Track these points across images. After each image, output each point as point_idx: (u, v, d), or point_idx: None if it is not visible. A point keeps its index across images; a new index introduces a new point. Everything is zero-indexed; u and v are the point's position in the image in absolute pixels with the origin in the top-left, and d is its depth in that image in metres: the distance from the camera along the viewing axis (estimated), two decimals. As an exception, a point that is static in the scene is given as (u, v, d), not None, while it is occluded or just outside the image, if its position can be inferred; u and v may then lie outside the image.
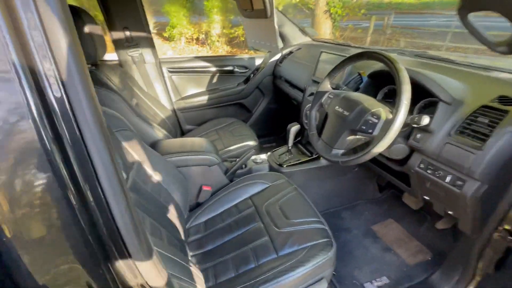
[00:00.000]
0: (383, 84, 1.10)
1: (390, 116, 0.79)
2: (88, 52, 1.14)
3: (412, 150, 0.91)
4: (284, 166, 1.38)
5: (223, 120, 1.87)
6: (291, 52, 1.89)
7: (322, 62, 1.42)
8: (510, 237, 0.77)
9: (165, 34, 7.54)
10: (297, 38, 1.96)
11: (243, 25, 1.66)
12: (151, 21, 7.55)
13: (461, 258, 0.99)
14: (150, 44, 1.66)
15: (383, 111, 0.81)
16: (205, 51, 7.62)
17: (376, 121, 0.79)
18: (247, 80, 2.02)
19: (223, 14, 7.65)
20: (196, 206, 1.19)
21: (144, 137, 1.30)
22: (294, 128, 1.37)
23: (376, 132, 0.79)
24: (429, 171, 0.86)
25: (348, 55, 0.98)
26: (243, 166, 1.39)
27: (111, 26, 1.55)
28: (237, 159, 1.43)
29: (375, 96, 1.12)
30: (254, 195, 1.13)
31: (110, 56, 1.72)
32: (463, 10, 0.54)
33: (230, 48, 7.85)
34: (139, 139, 0.95)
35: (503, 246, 0.75)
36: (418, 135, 0.86)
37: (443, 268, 1.06)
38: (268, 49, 1.42)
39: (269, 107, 2.12)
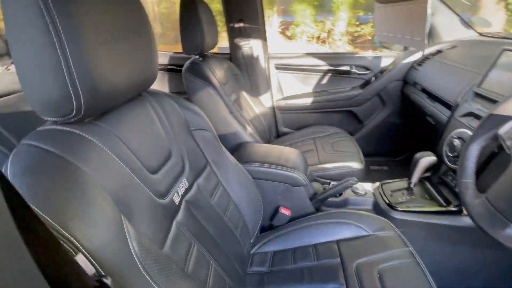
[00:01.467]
0: None
1: None
2: (195, 42, 1.12)
3: None
4: (398, 209, 0.98)
5: (325, 128, 1.58)
6: (439, 52, 1.36)
7: (500, 68, 0.89)
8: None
9: (288, 33, 7.73)
10: (452, 33, 1.40)
11: (375, 13, 1.30)
12: (277, 20, 7.90)
13: None
14: (262, 37, 1.57)
15: None
16: (324, 50, 7.32)
17: None
18: (365, 84, 1.63)
19: (352, 10, 7.11)
20: (268, 228, 1.00)
21: (230, 137, 1.21)
22: (426, 160, 0.94)
23: None
24: None
25: None
26: (337, 194, 1.08)
27: (228, 18, 1.54)
28: (331, 183, 1.13)
29: None
30: (343, 240, 0.82)
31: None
32: None
33: (353, 48, 7.22)
34: (218, 142, 0.82)
35: None
36: None
37: None
38: (406, 44, 1.03)
39: (389, 121, 1.65)
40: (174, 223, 0.56)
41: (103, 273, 0.34)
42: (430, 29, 1.42)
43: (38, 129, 0.41)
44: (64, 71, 0.37)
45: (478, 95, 0.92)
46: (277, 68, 1.70)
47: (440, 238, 0.95)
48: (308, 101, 1.70)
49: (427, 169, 1.00)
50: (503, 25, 4.79)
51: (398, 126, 1.66)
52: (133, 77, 0.52)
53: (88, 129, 0.44)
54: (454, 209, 0.92)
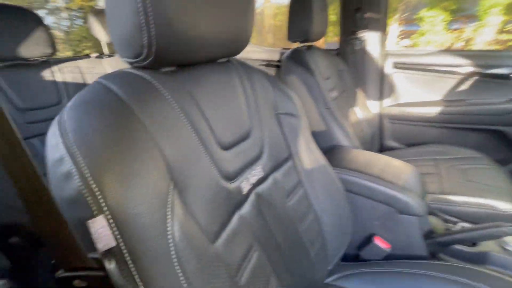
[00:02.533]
0: None
1: None
2: (303, 27, 1.01)
3: None
4: None
5: (455, 149, 1.17)
6: None
7: None
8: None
9: (405, 42, 6.76)
10: None
11: None
12: (397, 29, 7.01)
13: None
14: (381, 28, 1.31)
15: None
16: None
17: None
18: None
19: (509, 14, 5.54)
20: (354, 259, 0.77)
21: (323, 136, 1.03)
22: None
23: None
24: None
25: None
26: (472, 243, 0.73)
27: (344, 7, 1.36)
28: (461, 224, 0.79)
29: None
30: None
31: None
32: None
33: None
34: (308, 135, 0.67)
35: None
36: None
37: None
38: None
39: None
40: (236, 216, 0.45)
41: (124, 250, 0.26)
42: None
43: (117, 70, 0.38)
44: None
45: None
46: (396, 67, 1.39)
47: None
48: (432, 110, 1.31)
49: None
50: None
51: None
52: (223, 32, 0.44)
53: (161, 78, 0.39)
54: None
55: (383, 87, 1.40)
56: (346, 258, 0.76)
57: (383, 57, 1.37)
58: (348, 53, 1.41)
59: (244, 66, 0.58)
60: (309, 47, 1.15)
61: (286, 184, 0.59)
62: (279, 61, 1.71)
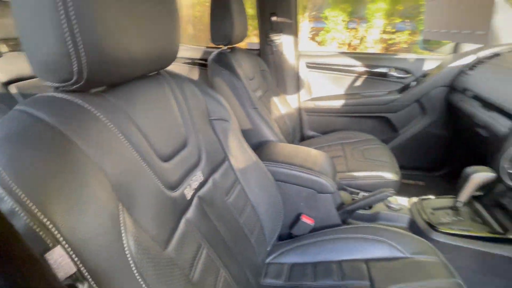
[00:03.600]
0: None
1: None
2: (224, 32, 1.07)
3: None
4: (440, 230, 0.84)
5: (356, 134, 1.45)
6: (496, 55, 1.19)
7: None
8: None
9: (318, 39, 7.61)
10: (513, 34, 1.22)
11: (425, 7, 1.16)
12: (308, 26, 7.81)
13: None
14: (293, 33, 1.48)
15: None
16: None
17: None
18: (404, 89, 1.48)
19: (388, 18, 6.83)
20: (287, 237, 0.90)
21: (252, 134, 1.13)
22: (480, 176, 0.79)
23: None
24: None
25: None
26: (368, 207, 0.96)
27: (260, 10, 1.47)
28: (361, 193, 1.01)
29: None
30: (374, 260, 0.71)
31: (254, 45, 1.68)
32: None
33: (385, 56, 6.89)
34: (240, 136, 0.75)
35: None
36: None
37: None
38: (464, 41, 0.89)
39: (429, 131, 1.49)
40: (183, 220, 0.49)
41: (85, 274, 0.27)
42: (487, 29, 1.25)
43: (37, 95, 0.36)
44: (63, 22, 0.31)
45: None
46: (308, 67, 1.60)
47: (494, 272, 0.79)
48: (338, 103, 1.58)
49: (479, 187, 0.86)
50: None
51: (439, 137, 1.49)
52: (152, 48, 0.46)
53: (93, 101, 0.38)
54: (514, 237, 0.76)
55: (299, 85, 1.60)
56: (281, 237, 0.88)
57: (296, 57, 1.55)
58: (268, 54, 1.55)
59: (175, 77, 0.61)
60: (232, 49, 1.21)
61: (224, 183, 0.65)
62: (203, 59, 1.74)
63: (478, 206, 0.90)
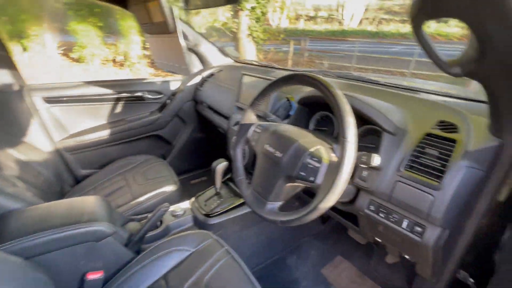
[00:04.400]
0: (314, 110, 0.95)
1: (334, 157, 0.60)
2: None
3: (359, 189, 0.75)
4: (213, 215, 1.09)
5: (134, 158, 1.47)
6: (212, 75, 1.67)
7: (245, 86, 1.22)
8: (471, 279, 0.68)
9: (73, 55, 6.55)
10: (217, 59, 1.76)
11: (148, 42, 1.36)
12: (54, 40, 6.44)
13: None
14: (7, 65, 1.18)
15: (324, 151, 0.62)
16: (124, 73, 6.90)
17: (318, 165, 0.59)
18: (162, 107, 1.69)
19: (142, 35, 7.17)
20: None
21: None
22: (220, 167, 1.10)
23: (319, 179, 0.59)
24: (381, 215, 0.70)
25: (273, 78, 0.79)
26: (158, 223, 1.04)
27: None
28: (147, 215, 1.07)
29: (307, 125, 0.96)
30: (171, 271, 0.80)
31: None
32: (419, 18, 0.38)
33: (154, 70, 7.36)
34: None
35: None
36: (364, 173, 0.70)
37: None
38: (178, 72, 1.16)
39: (193, 136, 1.82)
40: None
41: None
42: (201, 57, 1.70)
43: None
44: None
45: (238, 108, 1.21)
46: (48, 101, 1.36)
47: (249, 224, 1.16)
48: (105, 133, 1.51)
49: (226, 172, 1.19)
50: (255, 51, 6.75)
51: (203, 139, 1.87)
52: None
53: None
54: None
55: (44, 124, 1.33)
56: None
57: (27, 93, 1.27)
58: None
59: None
60: None
61: None
62: None
63: (231, 185, 1.26)
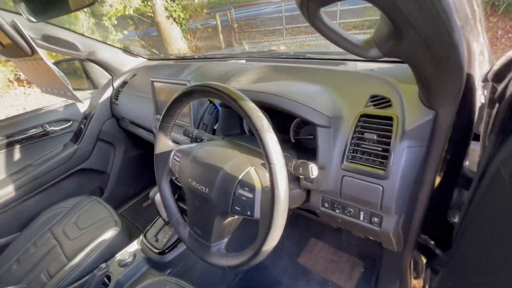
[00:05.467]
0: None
1: (267, 178, 0.50)
2: None
3: (309, 190, 0.68)
4: (167, 251, 0.96)
5: (60, 206, 1.22)
6: (125, 83, 1.41)
7: (159, 94, 1.02)
8: (431, 242, 0.69)
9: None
10: (128, 63, 1.49)
11: (18, 68, 1.05)
12: None
13: (394, 270, 0.88)
14: None
15: (255, 173, 0.51)
16: (38, 91, 5.88)
17: (251, 195, 0.49)
18: (77, 136, 1.40)
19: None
20: None
21: None
22: (159, 196, 0.94)
23: (256, 213, 0.48)
24: (337, 211, 0.65)
25: (183, 83, 0.64)
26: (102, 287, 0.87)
27: None
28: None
29: (240, 127, 0.83)
30: None
31: None
32: (314, 5, 0.27)
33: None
34: None
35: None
36: (309, 175, 0.62)
37: (380, 284, 0.94)
38: (67, 97, 0.92)
39: (128, 157, 1.59)
40: None
41: None
42: (103, 66, 1.41)
43: None
44: None
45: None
46: None
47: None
48: (10, 189, 1.21)
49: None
50: (181, 33, 6.19)
51: (138, 158, 1.63)
52: None
53: None
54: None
55: None
56: None
57: None
58: None
59: None
60: None
61: None
62: None
63: (181, 204, 1.11)
